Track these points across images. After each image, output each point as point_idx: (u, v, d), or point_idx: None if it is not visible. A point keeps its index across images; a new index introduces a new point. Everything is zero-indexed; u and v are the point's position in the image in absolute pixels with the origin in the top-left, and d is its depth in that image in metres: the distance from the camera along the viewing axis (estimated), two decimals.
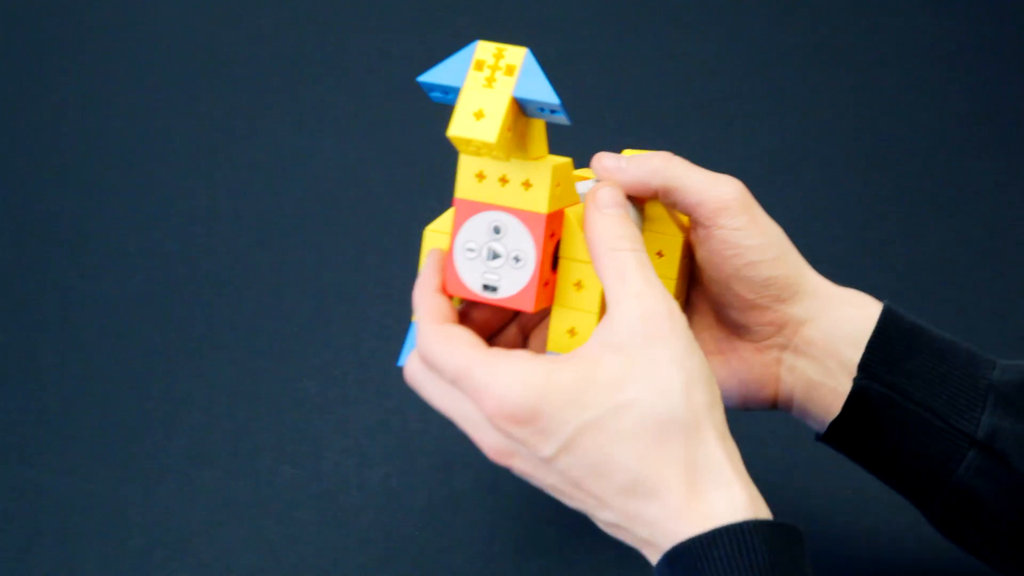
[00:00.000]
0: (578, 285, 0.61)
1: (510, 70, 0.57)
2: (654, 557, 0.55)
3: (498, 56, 0.57)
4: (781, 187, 1.05)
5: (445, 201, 1.03)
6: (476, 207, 0.61)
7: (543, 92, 0.56)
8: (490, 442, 0.58)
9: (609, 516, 0.56)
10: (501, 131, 0.56)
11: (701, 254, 0.66)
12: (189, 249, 0.99)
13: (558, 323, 0.62)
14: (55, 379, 0.90)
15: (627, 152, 0.67)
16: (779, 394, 0.68)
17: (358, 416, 0.88)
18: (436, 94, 0.59)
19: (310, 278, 0.97)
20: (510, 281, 0.60)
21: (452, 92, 0.58)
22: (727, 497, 0.54)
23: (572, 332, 0.62)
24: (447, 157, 1.07)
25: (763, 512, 0.55)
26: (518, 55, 0.57)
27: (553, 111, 0.57)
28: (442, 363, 0.58)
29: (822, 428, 0.67)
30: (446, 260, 0.61)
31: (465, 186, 0.61)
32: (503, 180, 0.60)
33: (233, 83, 1.14)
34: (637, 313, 0.56)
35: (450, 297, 0.62)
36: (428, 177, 1.05)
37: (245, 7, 1.21)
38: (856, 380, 0.64)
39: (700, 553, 0.53)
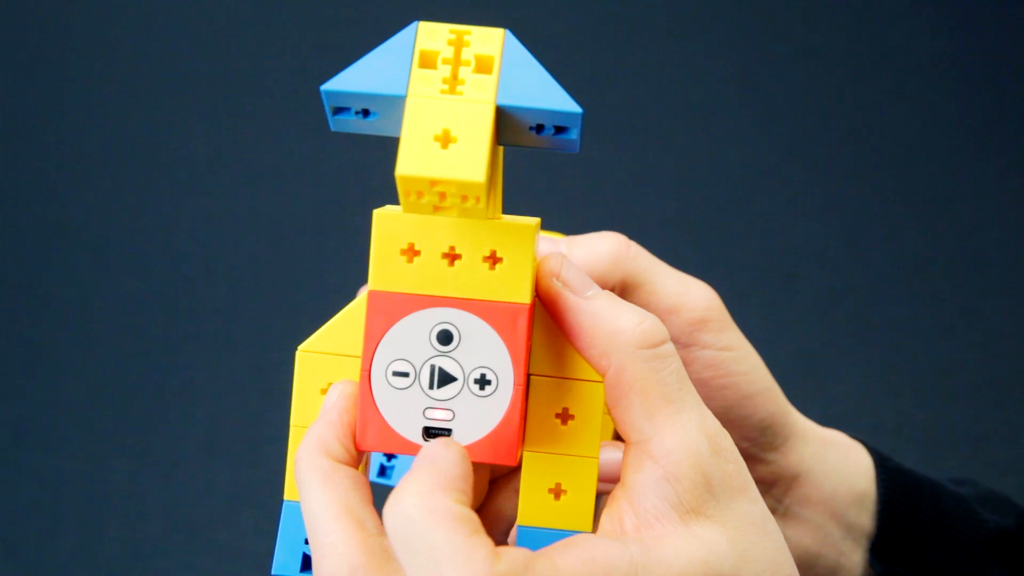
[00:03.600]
0: (563, 415, 0.37)
1: (485, 64, 0.36)
2: None
3: (459, 43, 0.37)
4: (770, 189, 1.05)
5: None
6: (408, 303, 0.38)
7: (551, 96, 0.37)
8: None
9: None
10: (488, 163, 0.35)
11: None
12: (203, 247, 0.99)
13: (534, 478, 0.37)
14: (77, 374, 0.91)
15: (551, 234, 0.49)
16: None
17: None
18: (345, 115, 0.38)
19: (319, 273, 0.98)
20: (473, 419, 0.36)
21: (381, 106, 0.37)
22: None
23: (559, 492, 0.38)
24: None
25: None
26: (493, 40, 0.37)
27: (559, 131, 0.36)
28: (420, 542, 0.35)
29: None
30: (357, 396, 0.38)
31: (386, 271, 0.39)
32: (451, 255, 0.37)
33: (242, 89, 1.12)
34: (693, 454, 0.37)
35: (359, 459, 0.38)
36: None
37: (255, 15, 1.20)
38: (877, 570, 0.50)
39: None
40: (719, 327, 0.47)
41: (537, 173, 1.06)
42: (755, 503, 0.37)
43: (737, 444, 0.40)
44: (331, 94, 0.37)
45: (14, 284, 0.97)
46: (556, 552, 0.35)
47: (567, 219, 1.05)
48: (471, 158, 0.34)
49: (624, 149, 1.08)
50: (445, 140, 0.35)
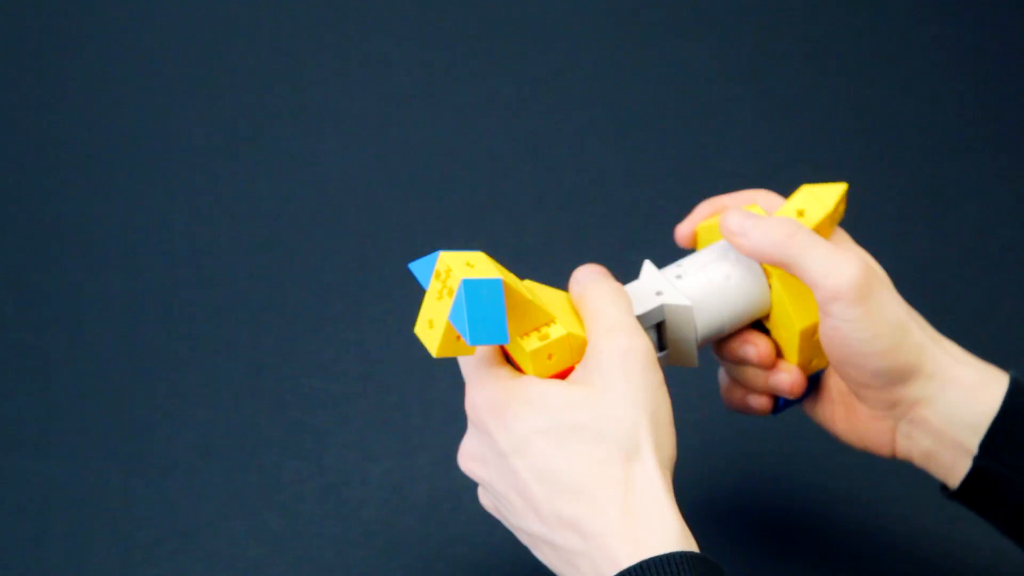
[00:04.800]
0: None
1: (450, 293, 0.59)
2: None
3: (447, 275, 0.59)
4: (774, 189, 1.06)
5: (444, 200, 1.04)
6: None
7: (464, 329, 0.57)
8: (465, 445, 0.63)
9: (545, 530, 0.58)
10: (441, 347, 0.59)
11: (820, 328, 0.66)
12: (196, 248, 1.00)
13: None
14: (65, 375, 0.91)
15: (756, 209, 0.68)
16: (896, 453, 0.69)
17: (361, 412, 0.89)
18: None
19: (313, 277, 0.98)
20: None
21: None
22: (660, 525, 0.57)
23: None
24: (446, 158, 1.08)
25: (692, 546, 0.58)
26: (456, 280, 0.58)
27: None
28: (462, 364, 0.62)
29: (943, 483, 0.68)
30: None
31: None
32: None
33: (238, 86, 1.14)
34: (607, 349, 0.60)
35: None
36: (428, 178, 1.06)
37: (251, 13, 1.22)
38: (975, 459, 0.65)
39: None
40: (849, 303, 0.62)
41: (537, 173, 1.07)
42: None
43: (855, 378, 0.65)
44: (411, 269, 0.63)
45: (2, 284, 0.97)
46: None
47: (567, 219, 1.05)
48: (433, 341, 0.60)
49: (624, 149, 1.09)
50: (431, 324, 0.61)
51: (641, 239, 1.01)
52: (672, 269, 0.68)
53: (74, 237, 1.01)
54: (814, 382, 0.70)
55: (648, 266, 0.68)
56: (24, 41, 1.19)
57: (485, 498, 0.64)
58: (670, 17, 1.22)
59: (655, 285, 0.67)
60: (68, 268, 0.98)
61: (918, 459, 0.68)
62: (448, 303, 0.59)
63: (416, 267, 0.62)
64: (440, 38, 1.19)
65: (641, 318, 0.65)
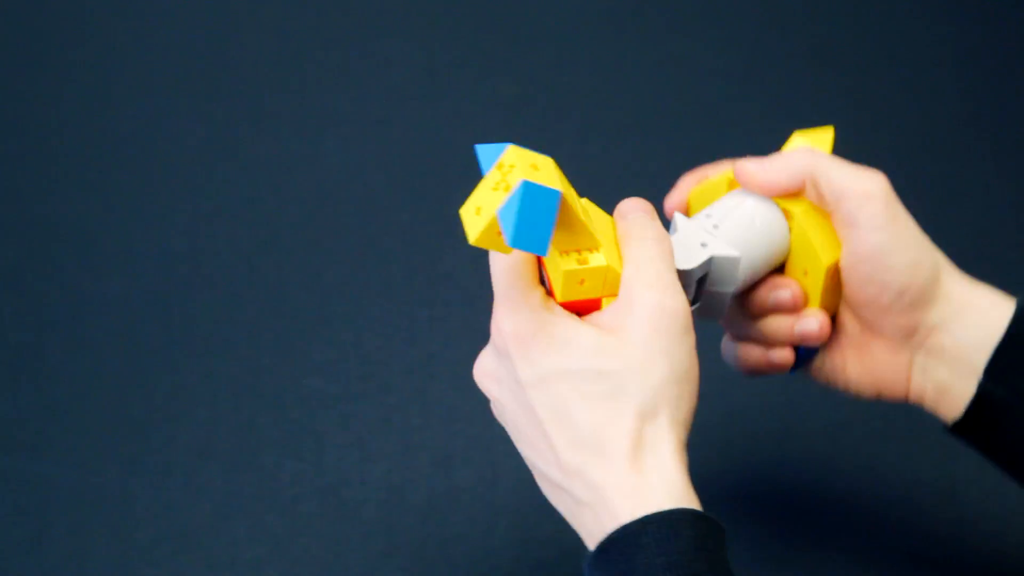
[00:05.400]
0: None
1: (507, 188, 0.57)
2: (589, 537, 0.58)
3: (508, 170, 0.58)
4: None
5: (444, 200, 1.04)
6: None
7: (508, 228, 0.56)
8: (482, 359, 0.62)
9: (556, 472, 0.59)
10: (481, 236, 0.57)
11: (842, 254, 0.67)
12: (194, 248, 1.00)
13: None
14: (64, 376, 0.91)
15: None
16: (911, 392, 0.69)
17: (360, 412, 0.89)
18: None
19: (313, 277, 0.98)
20: None
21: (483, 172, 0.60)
22: (665, 481, 0.57)
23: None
24: (446, 158, 1.08)
25: (695, 504, 0.58)
26: (517, 178, 0.57)
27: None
28: (494, 270, 0.61)
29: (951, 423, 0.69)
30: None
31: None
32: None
33: (238, 86, 1.14)
34: (645, 303, 0.59)
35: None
36: (428, 178, 1.06)
37: (251, 13, 1.22)
38: (980, 384, 0.65)
39: (631, 539, 0.56)
40: (877, 208, 0.64)
41: None
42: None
43: (878, 300, 0.66)
44: (476, 149, 0.61)
45: (2, 284, 0.97)
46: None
47: None
48: (474, 229, 0.58)
49: (624, 149, 1.09)
50: (478, 212, 0.58)
51: None
52: (702, 220, 0.68)
53: (74, 237, 1.01)
54: (816, 350, 0.70)
55: (680, 217, 0.67)
56: (24, 41, 1.19)
57: (495, 409, 0.64)
58: (670, 17, 1.22)
59: (697, 236, 0.66)
60: (68, 268, 0.98)
61: (930, 396, 0.68)
62: (502, 196, 0.57)
63: (482, 150, 0.60)
64: (440, 38, 1.19)
65: (689, 272, 0.65)
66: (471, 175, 1.06)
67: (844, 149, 1.11)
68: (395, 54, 1.17)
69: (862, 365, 0.69)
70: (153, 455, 0.86)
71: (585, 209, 0.62)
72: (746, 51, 1.19)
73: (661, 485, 0.57)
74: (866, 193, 0.65)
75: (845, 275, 0.67)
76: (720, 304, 0.67)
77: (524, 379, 0.59)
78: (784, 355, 0.70)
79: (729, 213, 0.67)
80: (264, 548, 0.81)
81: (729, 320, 0.71)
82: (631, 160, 1.08)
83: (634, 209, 0.63)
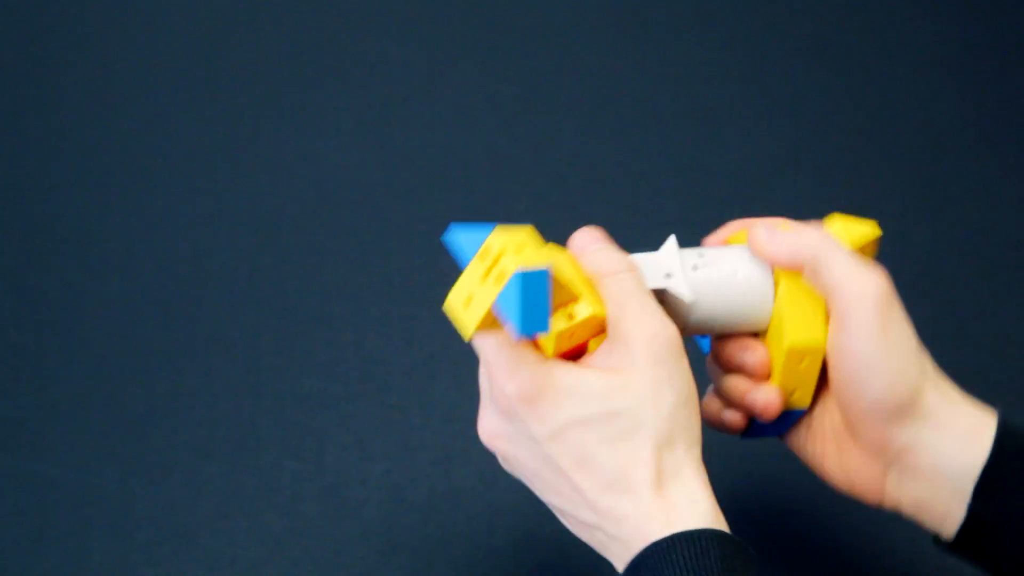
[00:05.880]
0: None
1: (500, 278, 0.57)
2: (620, 563, 0.60)
3: (500, 255, 0.58)
4: (774, 189, 1.06)
5: (444, 200, 1.04)
6: None
7: (513, 319, 0.56)
8: (487, 422, 0.63)
9: (586, 514, 0.60)
10: (476, 332, 0.58)
11: (826, 347, 0.65)
12: (194, 248, 1.00)
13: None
14: (64, 376, 0.91)
15: (784, 226, 0.67)
16: (885, 502, 0.67)
17: (360, 412, 0.89)
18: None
19: (313, 277, 0.98)
20: None
21: (461, 264, 0.60)
22: (692, 506, 0.58)
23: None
24: (445, 158, 1.08)
25: (722, 525, 0.59)
26: (512, 267, 0.57)
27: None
28: (480, 344, 0.61)
29: (937, 534, 0.67)
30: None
31: None
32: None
33: (238, 87, 1.14)
34: (639, 338, 0.60)
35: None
36: (428, 178, 1.06)
37: (250, 11, 1.22)
38: (969, 507, 0.63)
39: (661, 557, 0.57)
40: (869, 311, 0.61)
41: (537, 173, 1.07)
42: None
43: (853, 408, 0.63)
44: (445, 241, 0.61)
45: (2, 284, 0.97)
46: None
47: (567, 218, 1.05)
48: (467, 324, 0.58)
49: (624, 149, 1.09)
50: (467, 303, 0.58)
51: (641, 239, 1.01)
52: (692, 255, 0.67)
53: (74, 237, 1.01)
54: (792, 421, 0.69)
55: (671, 242, 0.67)
56: (24, 41, 1.19)
57: (506, 465, 0.64)
58: (670, 17, 1.22)
59: (668, 265, 0.66)
60: (68, 268, 0.98)
61: (908, 507, 0.66)
62: (494, 288, 0.58)
63: (458, 236, 0.60)
64: (440, 38, 1.19)
65: None
66: (471, 175, 1.07)
67: (845, 149, 1.11)
68: (395, 54, 1.17)
69: (839, 461, 0.67)
70: (153, 455, 0.86)
71: (556, 263, 0.62)
72: (746, 51, 1.19)
73: (688, 507, 0.58)
74: (861, 295, 0.62)
75: (829, 368, 0.65)
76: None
77: (539, 435, 0.60)
78: (734, 418, 0.69)
79: (717, 260, 0.67)
80: (264, 548, 0.81)
81: (709, 363, 0.71)
82: (631, 160, 1.08)
83: (592, 242, 0.64)
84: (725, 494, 0.81)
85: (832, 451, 0.67)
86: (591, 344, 0.63)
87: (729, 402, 0.69)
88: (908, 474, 0.64)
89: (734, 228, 0.70)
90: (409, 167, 1.07)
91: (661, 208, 1.03)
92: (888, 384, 0.62)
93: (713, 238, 0.70)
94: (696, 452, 0.60)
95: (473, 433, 0.87)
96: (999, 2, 1.25)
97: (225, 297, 0.96)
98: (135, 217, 1.02)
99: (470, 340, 0.60)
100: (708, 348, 0.71)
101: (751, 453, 0.86)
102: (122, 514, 0.82)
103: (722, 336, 0.69)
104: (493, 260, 0.59)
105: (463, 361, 0.92)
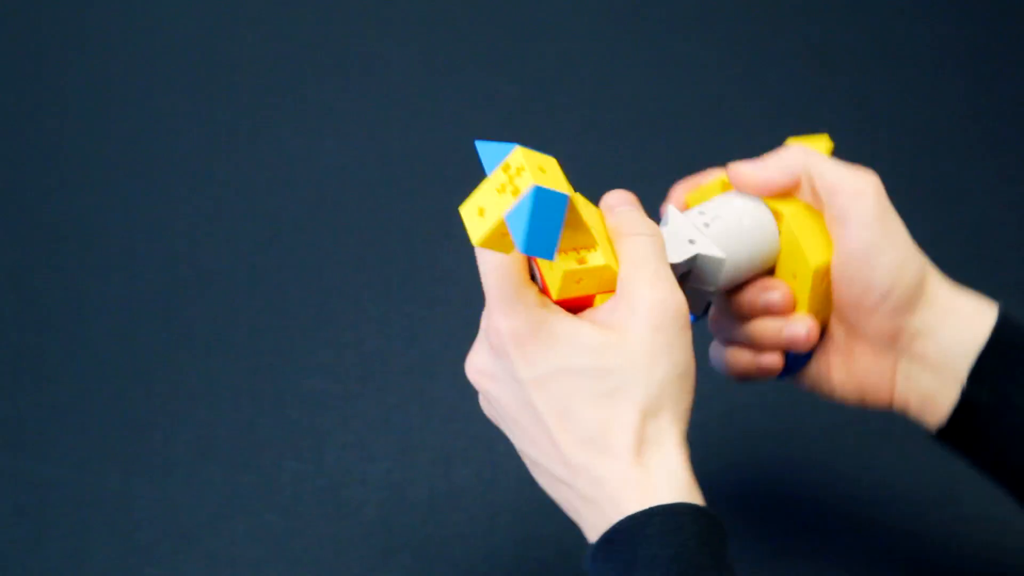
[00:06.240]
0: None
1: (515, 192, 0.57)
2: (592, 531, 0.59)
3: (517, 172, 0.57)
4: None
5: (444, 200, 1.04)
6: None
7: (518, 233, 0.56)
8: (476, 357, 0.62)
9: (559, 469, 0.59)
10: (485, 238, 0.57)
11: (833, 253, 0.67)
12: (195, 249, 1.00)
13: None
14: (65, 376, 0.91)
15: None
16: (895, 399, 0.68)
17: (360, 412, 0.89)
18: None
19: (313, 277, 0.98)
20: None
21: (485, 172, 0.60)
22: (670, 475, 0.58)
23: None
24: (445, 158, 1.08)
25: (699, 499, 0.58)
26: (526, 183, 0.56)
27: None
28: (484, 270, 0.60)
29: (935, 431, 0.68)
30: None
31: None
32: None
33: (238, 86, 1.14)
34: (646, 300, 0.59)
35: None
36: (427, 177, 1.06)
37: (250, 13, 1.22)
38: (963, 389, 0.65)
39: (637, 530, 0.56)
40: (868, 204, 0.64)
41: None
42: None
43: (864, 303, 0.65)
44: (477, 146, 0.60)
45: (2, 284, 0.97)
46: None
47: None
48: (478, 231, 0.57)
49: (624, 148, 1.09)
50: (481, 213, 0.58)
51: None
52: (695, 216, 0.68)
53: (74, 237, 1.01)
54: (808, 357, 0.70)
55: (673, 211, 0.67)
56: (24, 41, 1.19)
57: (487, 407, 0.64)
58: (670, 17, 1.22)
59: (687, 232, 0.66)
60: (68, 268, 0.98)
61: (915, 403, 0.67)
62: (508, 199, 0.56)
63: (484, 147, 0.60)
64: (440, 38, 1.19)
65: (674, 267, 0.65)
66: (471, 175, 1.07)
67: (844, 149, 1.11)
68: (395, 54, 1.18)
69: (847, 371, 0.69)
70: (153, 455, 0.86)
71: (579, 201, 0.62)
72: (746, 51, 1.19)
73: (666, 479, 0.57)
74: (858, 190, 0.65)
75: (835, 271, 0.66)
76: (700, 301, 0.67)
77: (525, 378, 0.59)
78: (773, 359, 0.69)
79: (719, 212, 0.67)
80: (264, 548, 0.81)
81: (717, 324, 0.71)
82: (631, 160, 1.08)
83: (622, 202, 0.64)
84: (725, 492, 0.81)
85: (838, 363, 0.69)
86: (597, 300, 0.62)
87: (762, 346, 0.69)
88: (917, 363, 0.66)
89: (681, 191, 0.71)
90: (409, 167, 1.07)
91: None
92: (896, 269, 0.64)
93: (684, 184, 0.72)
94: (681, 427, 0.59)
95: (474, 433, 0.87)
96: (999, 2, 1.25)
97: (225, 297, 0.96)
98: (135, 217, 1.03)
99: (477, 245, 0.58)
100: (693, 318, 0.71)
101: (751, 448, 0.86)
102: (122, 514, 0.82)
103: (734, 288, 0.69)
104: (515, 173, 0.58)
105: (463, 361, 0.92)
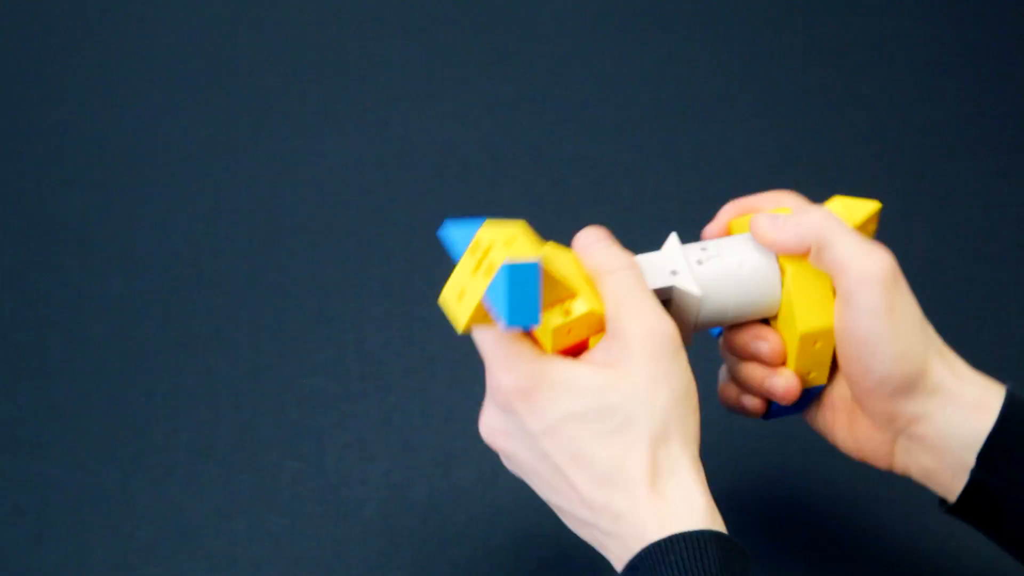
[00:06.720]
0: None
1: (489, 270, 0.58)
2: (619, 563, 0.60)
3: (489, 248, 0.58)
4: (775, 188, 1.06)
5: (444, 200, 1.04)
6: None
7: (500, 311, 0.57)
8: (487, 418, 0.63)
9: (582, 511, 0.60)
10: (469, 323, 0.59)
11: (834, 326, 0.66)
12: (195, 248, 1.00)
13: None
14: (64, 375, 0.91)
15: (783, 211, 0.68)
16: (895, 467, 0.68)
17: (360, 412, 0.89)
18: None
19: (313, 276, 0.98)
20: None
21: (455, 258, 0.61)
22: (688, 505, 0.58)
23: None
24: (446, 158, 1.08)
25: (719, 525, 0.59)
26: (499, 259, 0.58)
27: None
28: (479, 339, 0.61)
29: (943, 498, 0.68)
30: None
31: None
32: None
33: (238, 86, 1.14)
34: (636, 334, 0.60)
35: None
36: (427, 177, 1.06)
37: (250, 11, 1.22)
38: (972, 473, 0.64)
39: (659, 558, 0.57)
40: (876, 289, 0.62)
41: (537, 173, 1.07)
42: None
43: (861, 383, 0.64)
44: (440, 236, 0.62)
45: (2, 284, 0.97)
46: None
47: (567, 218, 1.05)
48: (460, 316, 0.59)
49: (624, 148, 1.09)
50: (460, 296, 0.59)
51: (641, 239, 1.01)
52: (695, 250, 0.67)
53: (74, 237, 1.01)
54: (811, 397, 0.70)
55: (673, 239, 0.68)
56: (24, 41, 1.19)
57: (507, 463, 0.64)
58: (670, 17, 1.22)
59: (673, 263, 0.66)
60: (68, 268, 0.98)
61: (916, 474, 0.67)
62: (484, 280, 0.58)
63: (451, 231, 0.61)
64: (440, 38, 1.19)
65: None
66: (471, 175, 1.07)
67: (845, 149, 1.11)
68: (395, 54, 1.18)
69: (849, 431, 0.69)
70: (153, 455, 0.86)
71: (550, 257, 0.62)
72: (745, 50, 1.19)
73: (684, 506, 0.58)
74: (867, 275, 0.63)
75: (836, 345, 0.66)
76: (685, 331, 0.67)
77: (534, 430, 0.60)
78: (754, 403, 0.70)
79: (721, 252, 0.67)
80: (264, 548, 0.81)
81: (724, 351, 0.71)
82: (631, 160, 1.08)
83: (594, 241, 0.64)
84: (725, 490, 0.81)
85: (842, 421, 0.69)
86: (591, 342, 0.63)
87: (747, 388, 0.69)
88: (916, 443, 0.66)
89: (731, 212, 0.71)
90: (409, 167, 1.07)
91: (661, 208, 1.03)
92: (895, 361, 0.63)
93: (713, 225, 0.71)
94: (692, 450, 0.60)
95: (473, 433, 0.87)
96: (999, 2, 1.25)
97: (225, 297, 0.96)
98: (135, 217, 1.03)
99: (463, 333, 0.60)
100: (717, 331, 0.71)
101: (751, 450, 0.86)
102: (122, 514, 0.82)
103: (733, 325, 0.69)
104: (483, 253, 0.59)
105: (463, 361, 0.92)
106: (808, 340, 0.66)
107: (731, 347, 0.70)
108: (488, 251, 0.59)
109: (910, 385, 0.64)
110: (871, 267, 0.63)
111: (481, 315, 0.59)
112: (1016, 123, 1.13)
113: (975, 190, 1.06)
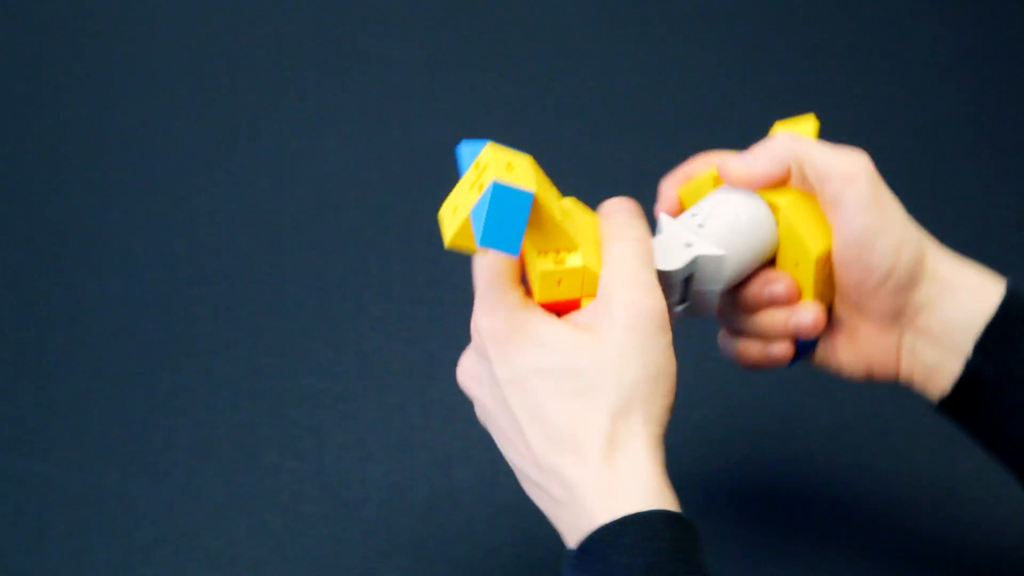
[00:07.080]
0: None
1: (480, 187, 0.57)
2: (569, 538, 0.59)
3: (483, 170, 0.58)
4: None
5: (444, 199, 1.04)
6: None
7: (477, 228, 0.57)
8: (464, 360, 0.63)
9: (533, 471, 0.60)
10: (454, 237, 0.58)
11: (832, 239, 0.67)
12: (195, 248, 1.00)
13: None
14: (64, 376, 0.91)
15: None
16: (900, 372, 0.68)
17: (360, 412, 0.89)
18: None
19: (313, 276, 0.98)
20: None
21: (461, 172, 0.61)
22: (640, 480, 0.58)
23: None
24: (446, 158, 1.08)
25: (670, 503, 0.58)
26: (489, 178, 0.57)
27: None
28: (475, 273, 0.62)
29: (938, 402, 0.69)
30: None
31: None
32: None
33: (238, 86, 1.14)
34: (620, 301, 0.59)
35: None
36: (427, 177, 1.06)
37: (250, 11, 1.22)
38: (968, 361, 0.65)
39: (610, 540, 0.56)
40: (862, 187, 0.64)
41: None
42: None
43: (863, 285, 0.65)
44: (457, 150, 0.62)
45: (2, 284, 0.97)
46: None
47: None
48: (448, 229, 0.59)
49: (624, 148, 1.09)
50: (454, 211, 0.59)
51: None
52: (688, 220, 0.68)
53: (74, 237, 1.01)
54: (817, 340, 0.70)
55: (665, 218, 0.68)
56: (24, 41, 1.19)
57: (477, 411, 0.64)
58: (670, 17, 1.22)
59: (681, 237, 0.66)
60: (68, 268, 0.98)
61: (919, 376, 0.67)
62: (476, 196, 0.57)
63: (464, 149, 0.61)
64: (440, 38, 1.19)
65: (674, 273, 0.65)
66: None
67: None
68: (395, 54, 1.18)
69: (852, 349, 0.69)
70: (153, 455, 0.86)
71: (567, 209, 0.62)
72: (745, 50, 1.19)
73: (636, 484, 0.57)
74: (850, 174, 0.64)
75: (835, 254, 0.66)
76: (709, 303, 0.67)
77: (501, 377, 0.60)
78: (783, 349, 0.69)
79: (713, 211, 0.67)
80: (264, 548, 0.81)
81: (723, 315, 0.71)
82: (631, 160, 1.08)
83: (618, 209, 0.64)
84: (726, 491, 0.81)
85: (844, 342, 0.69)
86: (583, 303, 0.62)
87: (770, 337, 0.69)
88: (921, 336, 0.66)
89: (672, 185, 0.72)
90: (409, 167, 1.07)
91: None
92: (894, 250, 0.64)
93: (664, 203, 0.72)
94: (653, 429, 0.59)
95: (474, 433, 0.87)
96: (999, 2, 1.25)
97: (225, 297, 0.96)
98: (135, 217, 1.03)
99: (449, 247, 0.59)
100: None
101: (751, 450, 0.86)
102: (122, 514, 0.82)
103: (736, 284, 0.69)
104: (479, 173, 0.58)
105: None
106: (821, 262, 0.66)
107: (742, 303, 0.69)
108: (485, 169, 0.58)
109: (912, 274, 0.65)
110: (852, 166, 0.64)
111: (468, 233, 0.59)
112: (1016, 123, 1.13)
113: (975, 190, 1.06)
